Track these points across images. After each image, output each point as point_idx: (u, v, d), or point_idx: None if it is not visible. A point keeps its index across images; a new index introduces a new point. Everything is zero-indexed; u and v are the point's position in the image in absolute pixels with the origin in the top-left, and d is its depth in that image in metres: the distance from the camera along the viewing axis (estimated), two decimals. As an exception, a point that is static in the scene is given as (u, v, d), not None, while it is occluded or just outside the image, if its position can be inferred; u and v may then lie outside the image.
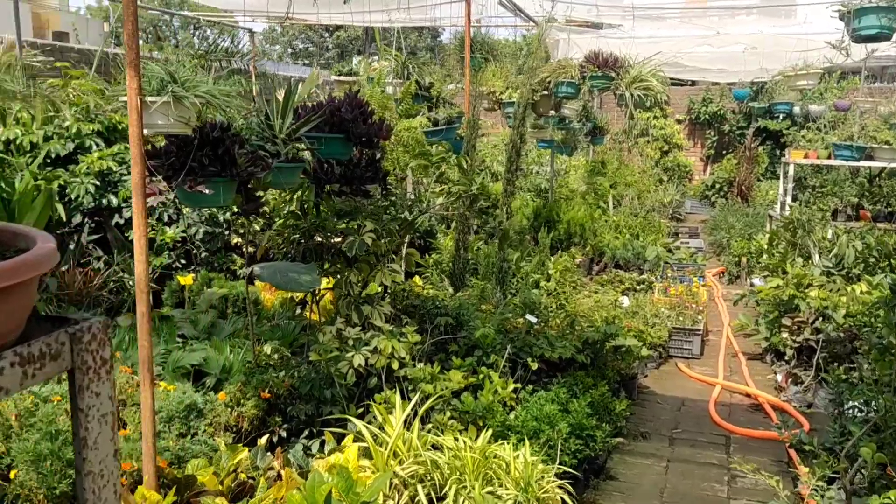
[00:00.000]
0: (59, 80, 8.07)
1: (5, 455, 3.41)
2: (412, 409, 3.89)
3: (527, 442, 3.77)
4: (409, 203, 5.46)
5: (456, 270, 5.84)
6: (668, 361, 7.05)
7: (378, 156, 4.83)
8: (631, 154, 15.49)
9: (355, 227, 4.61)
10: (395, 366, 4.37)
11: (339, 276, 4.79)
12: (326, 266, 4.89)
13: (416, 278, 6.75)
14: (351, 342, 4.44)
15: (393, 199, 7.02)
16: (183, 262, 6.98)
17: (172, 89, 2.95)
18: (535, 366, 4.70)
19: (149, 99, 2.95)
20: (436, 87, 6.44)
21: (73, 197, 6.78)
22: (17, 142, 7.05)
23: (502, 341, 4.86)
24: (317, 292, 5.01)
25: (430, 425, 4.00)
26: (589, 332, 5.32)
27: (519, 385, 4.55)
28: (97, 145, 7.11)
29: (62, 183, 6.81)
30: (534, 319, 5.02)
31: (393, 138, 5.33)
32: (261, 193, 4.02)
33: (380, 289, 4.97)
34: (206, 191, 3.14)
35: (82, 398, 0.77)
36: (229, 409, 3.92)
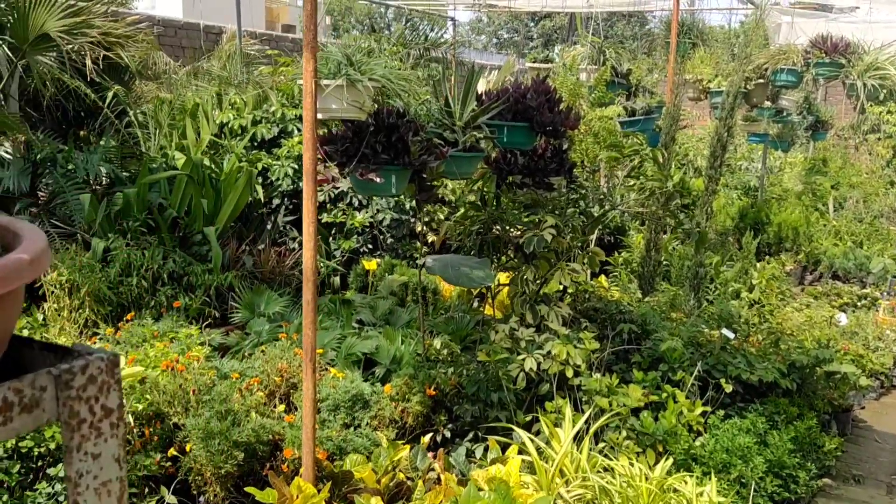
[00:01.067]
0: (270, 67, 8.51)
1: (183, 428, 3.53)
2: (584, 424, 3.57)
3: (713, 477, 3.32)
4: (600, 197, 5.11)
5: (645, 273, 5.39)
6: (891, 393, 6.11)
7: (565, 146, 4.51)
8: (858, 152, 13.84)
9: (535, 220, 4.34)
10: (570, 373, 4.05)
11: (515, 273, 4.55)
12: (503, 260, 4.66)
13: (602, 278, 6.35)
14: (523, 344, 4.18)
15: (580, 192, 6.66)
16: (370, 246, 7.08)
17: (347, 72, 2.84)
18: (728, 388, 4.18)
19: (323, 82, 2.86)
20: (634, 74, 5.98)
21: (273, 179, 7.09)
22: (230, 125, 7.49)
23: (692, 356, 4.38)
24: (493, 287, 4.80)
25: (602, 444, 3.65)
26: (796, 353, 4.67)
27: (708, 408, 4.06)
28: (298, 130, 7.39)
29: (265, 165, 7.14)
30: (731, 334, 4.47)
31: (583, 128, 4.99)
32: (436, 183, 3.86)
33: (559, 287, 4.66)
34: (378, 179, 3.01)
35: (71, 462, 0.58)
36: (394, 403, 3.82)
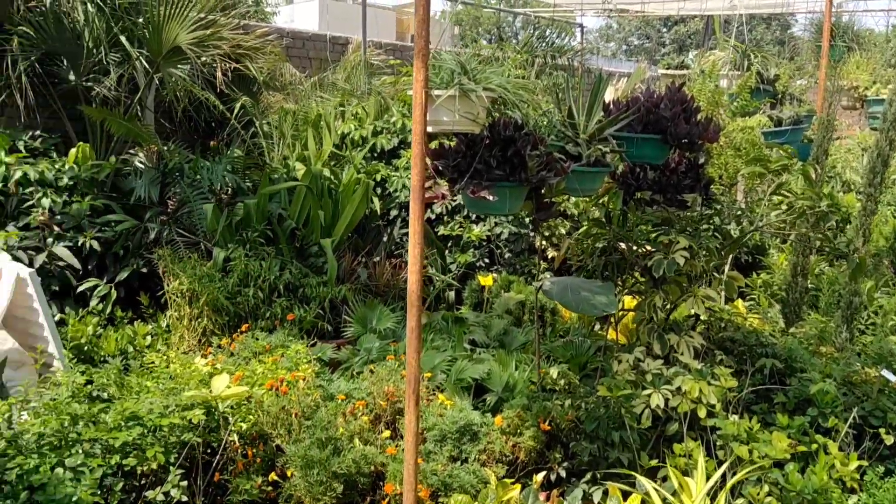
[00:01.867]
0: (393, 77, 8.47)
1: (286, 451, 3.41)
2: (719, 477, 3.16)
3: (873, 548, 2.84)
4: (737, 214, 4.63)
5: (790, 300, 4.84)
6: None
7: (701, 160, 4.10)
8: None
9: (665, 241, 3.95)
10: (702, 413, 3.64)
11: (642, 297, 4.17)
12: (629, 283, 4.30)
13: (739, 302, 5.82)
14: (649, 377, 3.80)
15: (716, 209, 6.15)
16: (486, 261, 6.85)
17: (461, 81, 2.61)
18: (889, 439, 3.62)
19: (434, 92, 2.64)
20: (782, 80, 5.43)
21: (391, 190, 7.00)
22: (351, 136, 7.47)
23: (846, 400, 3.84)
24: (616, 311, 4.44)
25: (740, 501, 3.22)
26: (973, 400, 4.02)
27: (864, 462, 3.53)
28: (418, 141, 7.27)
29: (383, 177, 7.07)
30: (892, 377, 3.90)
31: (721, 140, 4.55)
32: (557, 199, 3.57)
33: (691, 314, 4.24)
34: (490, 197, 2.76)
35: None
36: (505, 437, 3.55)
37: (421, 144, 2.60)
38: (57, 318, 5.31)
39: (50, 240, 5.55)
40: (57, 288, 5.52)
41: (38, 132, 6.46)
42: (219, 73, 6.66)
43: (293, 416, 3.35)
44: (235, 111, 7.05)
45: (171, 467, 2.84)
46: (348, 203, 6.09)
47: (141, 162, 6.40)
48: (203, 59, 6.32)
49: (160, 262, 5.33)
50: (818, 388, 3.72)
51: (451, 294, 6.62)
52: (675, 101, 3.60)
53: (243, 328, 4.92)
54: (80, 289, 5.50)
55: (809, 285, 5.23)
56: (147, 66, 6.34)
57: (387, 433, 3.62)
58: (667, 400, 3.72)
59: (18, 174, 5.58)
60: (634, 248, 4.03)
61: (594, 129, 3.28)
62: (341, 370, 4.62)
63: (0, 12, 6.12)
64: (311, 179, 6.03)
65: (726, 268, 6.18)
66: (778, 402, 3.97)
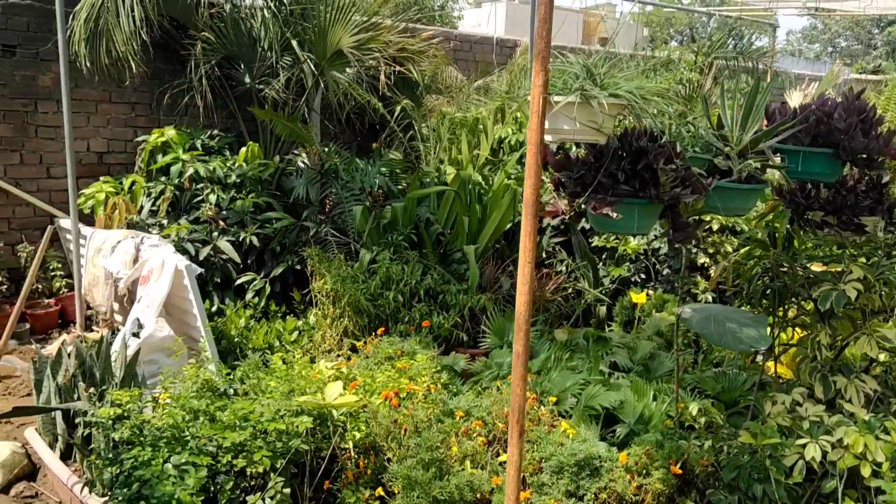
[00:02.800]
0: (557, 80, 8.21)
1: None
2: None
3: None
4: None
5: None
6: None
7: (885, 179, 3.54)
8: None
9: (837, 271, 3.45)
10: (866, 472, 3.13)
11: (806, 332, 3.68)
12: (791, 314, 3.81)
13: (935, 342, 5.02)
14: (806, 424, 3.33)
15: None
16: (642, 276, 6.45)
17: (582, 86, 2.37)
18: None
19: (554, 98, 2.42)
20: None
21: (543, 197, 6.78)
22: (508, 140, 7.33)
23: None
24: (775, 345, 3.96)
25: (902, 586, 2.72)
26: None
27: None
28: (577, 145, 6.99)
29: (538, 183, 6.85)
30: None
31: (915, 156, 3.91)
32: (702, 218, 3.21)
33: (865, 353, 3.67)
34: (614, 214, 2.50)
35: None
36: (630, 476, 3.24)
37: (536, 154, 2.39)
38: (215, 308, 5.61)
39: (216, 234, 5.88)
40: (219, 280, 5.83)
41: (215, 131, 6.88)
42: (382, 76, 6.76)
43: (402, 432, 3.25)
44: (396, 114, 7.13)
45: (273, 473, 2.84)
46: (496, 209, 5.94)
47: (303, 162, 6.64)
48: (365, 61, 6.43)
49: (308, 261, 5.46)
50: None
51: (603, 310, 6.29)
52: (852, 111, 3.11)
53: (379, 332, 4.92)
54: (238, 282, 5.77)
55: None
56: (313, 69, 6.55)
57: (503, 457, 3.43)
58: (825, 453, 3.24)
59: (190, 171, 5.95)
60: (800, 273, 3.55)
61: (749, 141, 2.90)
62: (471, 382, 4.49)
63: (185, 19, 6.57)
64: (460, 184, 5.94)
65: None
66: (970, 468, 3.33)
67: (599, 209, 2.51)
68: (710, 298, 6.12)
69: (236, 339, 5.23)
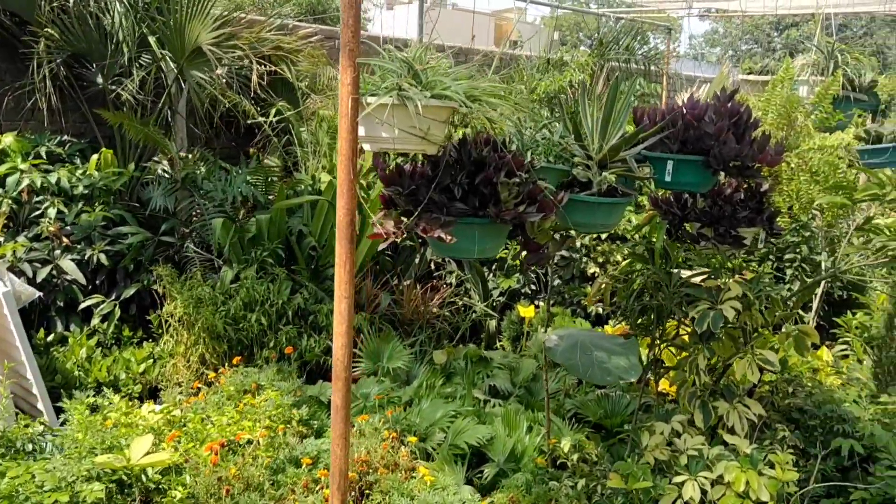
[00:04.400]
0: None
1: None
2: None
3: None
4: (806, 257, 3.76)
5: (883, 359, 3.92)
6: None
7: (764, 187, 3.28)
8: None
9: (713, 288, 3.16)
10: (749, 512, 2.84)
11: (686, 353, 3.39)
12: (669, 334, 3.52)
13: (823, 352, 4.89)
14: (684, 459, 3.03)
15: (804, 236, 5.24)
16: (533, 287, 6.14)
17: (399, 86, 1.96)
18: None
19: (368, 99, 2.00)
20: (885, 87, 4.46)
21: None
22: (393, 145, 6.89)
23: (948, 505, 2.95)
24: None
25: None
26: None
27: None
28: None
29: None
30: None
31: (794, 161, 3.69)
32: (570, 233, 2.86)
33: (748, 377, 3.40)
34: (447, 237, 2.10)
35: None
36: (492, 528, 2.86)
37: (348, 167, 1.96)
38: (52, 336, 4.98)
39: (58, 252, 5.23)
40: (62, 303, 5.19)
41: (66, 137, 6.20)
42: (254, 76, 6.22)
43: (224, 493, 2.76)
44: (270, 117, 6.60)
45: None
46: (375, 220, 5.49)
47: (164, 170, 6.04)
48: (227, 60, 5.89)
49: (159, 282, 4.90)
50: (907, 492, 2.85)
51: (493, 324, 5.94)
52: (723, 114, 2.82)
53: (236, 360, 4.41)
54: (82, 306, 5.14)
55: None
56: (173, 68, 5.97)
57: (354, 510, 3.00)
58: (704, 492, 2.94)
59: (26, 182, 5.28)
60: (675, 292, 3.26)
61: (609, 150, 2.55)
62: (335, 416, 4.03)
63: (26, 13, 5.87)
64: (334, 193, 5.47)
65: (813, 312, 5.26)
66: (856, 499, 3.11)
67: (430, 231, 2.11)
68: (600, 311, 5.86)
69: (76, 373, 4.62)
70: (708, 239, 3.32)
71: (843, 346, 5.66)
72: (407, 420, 3.63)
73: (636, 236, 3.74)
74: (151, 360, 4.93)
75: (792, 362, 4.47)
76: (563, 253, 6.09)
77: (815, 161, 3.59)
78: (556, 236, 2.98)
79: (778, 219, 3.32)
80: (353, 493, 3.05)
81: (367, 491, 3.05)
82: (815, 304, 5.84)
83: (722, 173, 2.94)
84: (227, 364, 4.61)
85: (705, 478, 2.96)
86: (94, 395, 4.37)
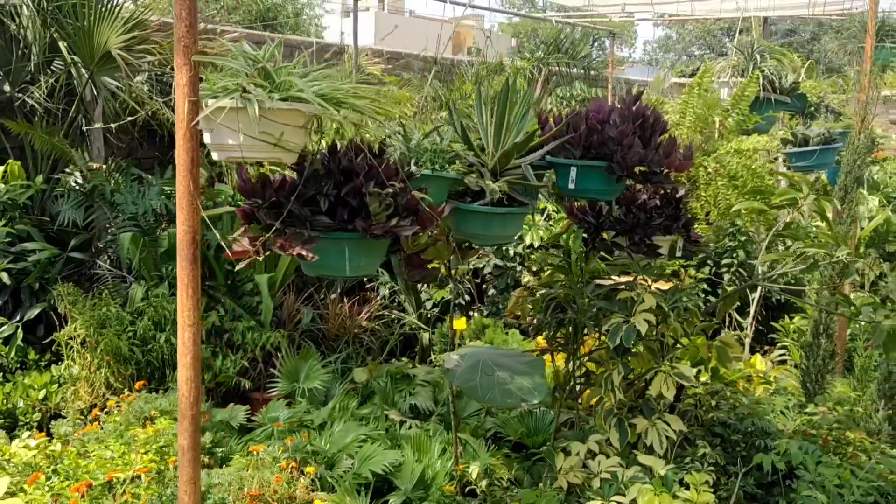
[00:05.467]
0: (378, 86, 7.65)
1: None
2: None
3: None
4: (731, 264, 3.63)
5: (810, 367, 3.81)
6: None
7: (679, 193, 3.14)
8: None
9: (627, 300, 3.00)
10: (663, 539, 2.67)
11: (602, 369, 3.23)
12: (586, 348, 3.36)
13: (756, 359, 4.78)
14: (596, 482, 2.85)
15: (741, 241, 5.13)
16: (467, 298, 5.95)
17: (244, 87, 1.75)
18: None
19: (208, 101, 1.79)
20: (809, 88, 4.39)
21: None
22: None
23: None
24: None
25: None
26: None
27: None
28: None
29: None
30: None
31: (713, 166, 3.56)
32: (471, 245, 2.67)
33: (664, 394, 3.23)
34: (308, 255, 1.89)
35: None
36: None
37: (187, 177, 1.75)
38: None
39: (-45, 270, 4.90)
40: (-41, 326, 4.86)
41: (-29, 149, 5.84)
42: (175, 81, 5.93)
43: None
44: (192, 125, 6.31)
45: None
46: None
47: (76, 182, 5.72)
48: (144, 66, 5.61)
49: (58, 302, 4.60)
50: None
51: (426, 336, 5.73)
52: (628, 118, 2.66)
53: (137, 386, 4.14)
54: (-19, 328, 4.81)
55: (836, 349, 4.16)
56: (84, 74, 5.66)
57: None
58: (617, 518, 2.77)
59: (-82, 197, 4.93)
60: (586, 305, 3.09)
61: (500, 157, 2.37)
62: (243, 442, 3.79)
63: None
64: (254, 204, 5.22)
65: (751, 318, 5.16)
66: (777, 519, 2.96)
67: (290, 248, 1.90)
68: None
69: (-37, 403, 4.30)
70: (622, 248, 3.17)
71: (782, 351, 5.59)
72: (314, 446, 3.40)
73: (550, 249, 3.58)
74: (57, 385, 4.63)
75: (723, 372, 4.35)
76: (497, 262, 5.92)
77: (733, 165, 3.47)
78: (457, 249, 2.79)
79: (695, 226, 3.18)
80: (241, 533, 2.81)
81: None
82: (752, 310, 5.76)
83: (629, 180, 2.78)
84: (132, 389, 4.33)
85: (618, 502, 2.79)
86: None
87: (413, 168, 2.17)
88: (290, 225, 1.96)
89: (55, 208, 5.54)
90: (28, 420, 4.36)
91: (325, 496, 2.97)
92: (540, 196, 2.63)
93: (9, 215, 5.30)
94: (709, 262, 6.04)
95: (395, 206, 1.99)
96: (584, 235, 3.37)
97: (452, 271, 2.92)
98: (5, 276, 4.95)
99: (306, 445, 3.32)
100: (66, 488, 2.75)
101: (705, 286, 5.83)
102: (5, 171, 5.50)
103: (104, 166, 5.86)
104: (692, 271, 5.78)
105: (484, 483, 2.97)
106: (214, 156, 1.91)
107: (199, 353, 1.85)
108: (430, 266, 2.16)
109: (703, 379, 4.23)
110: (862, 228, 5.50)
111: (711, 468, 3.05)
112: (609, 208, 3.23)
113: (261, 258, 2.00)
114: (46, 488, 2.70)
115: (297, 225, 1.96)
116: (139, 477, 2.93)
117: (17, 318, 5.01)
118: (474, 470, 2.98)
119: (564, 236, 3.50)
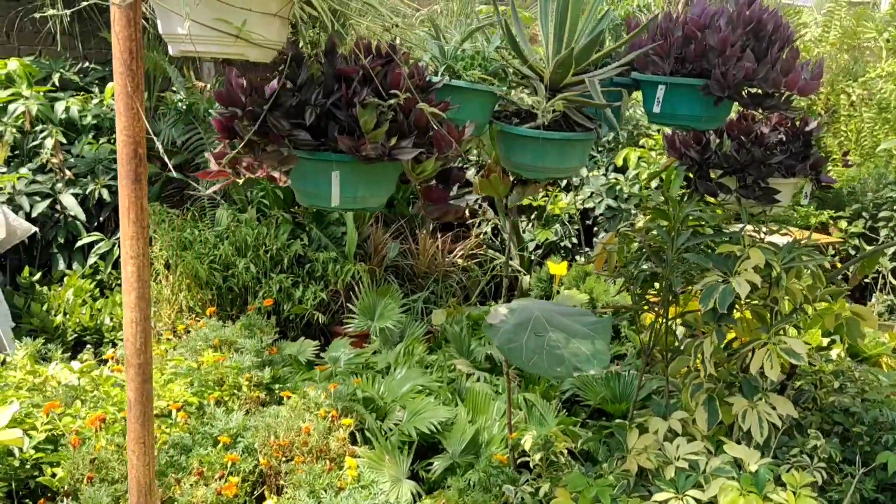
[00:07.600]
0: None
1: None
2: None
3: None
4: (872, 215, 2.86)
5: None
6: None
7: (811, 125, 2.50)
8: None
9: (729, 256, 2.44)
10: (745, 550, 2.18)
11: (695, 335, 2.69)
12: (679, 309, 2.83)
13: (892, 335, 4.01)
14: (671, 471, 2.37)
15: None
16: (574, 241, 5.44)
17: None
18: None
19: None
20: None
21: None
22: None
23: None
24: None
25: None
26: None
27: None
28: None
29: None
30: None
31: (858, 92, 2.80)
32: (530, 179, 2.21)
33: (766, 371, 2.64)
34: (279, 177, 1.52)
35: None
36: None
37: (124, 75, 1.42)
38: (35, 277, 4.75)
39: (60, 185, 4.98)
40: (62, 240, 4.96)
41: (88, 65, 5.92)
42: None
43: (85, 479, 2.33)
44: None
45: None
46: (391, 160, 4.93)
47: (181, 100, 5.66)
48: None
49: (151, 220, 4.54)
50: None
51: (527, 280, 5.30)
52: (739, 22, 2.05)
53: (209, 312, 4.02)
54: (79, 243, 4.88)
55: None
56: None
57: (271, 500, 2.53)
58: (693, 515, 2.29)
59: (20, 109, 5.00)
60: (674, 258, 2.55)
61: (554, 68, 1.87)
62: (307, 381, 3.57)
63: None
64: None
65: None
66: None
67: (260, 169, 1.53)
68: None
69: (52, 317, 4.36)
70: (730, 191, 2.58)
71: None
72: (367, 392, 3.11)
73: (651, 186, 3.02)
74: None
75: (861, 345, 3.66)
76: (610, 202, 5.35)
77: (886, 93, 2.71)
78: (518, 183, 2.34)
79: (827, 167, 2.53)
80: (275, 479, 2.57)
81: (282, 484, 2.56)
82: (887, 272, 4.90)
83: (737, 104, 2.18)
84: (211, 311, 4.23)
85: (695, 498, 2.30)
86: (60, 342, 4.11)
87: (434, 78, 1.73)
88: (273, 141, 1.60)
89: (157, 127, 5.51)
90: (112, 338, 4.38)
91: (363, 452, 2.67)
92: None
93: (112, 132, 5.32)
94: (864, 214, 5.16)
95: (397, 123, 1.58)
96: (689, 174, 2.80)
97: (510, 208, 2.47)
98: (105, 193, 4.98)
99: (355, 391, 3.03)
100: (84, 419, 2.61)
101: (857, 242, 5.00)
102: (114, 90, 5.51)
103: (207, 85, 5.76)
104: (843, 223, 4.96)
105: (538, 456, 2.56)
106: (170, 50, 1.56)
107: (148, 292, 1.56)
108: (452, 201, 1.74)
109: (836, 352, 3.56)
110: None
111: (822, 465, 2.48)
112: (720, 141, 2.64)
113: (240, 181, 1.65)
114: (68, 417, 2.57)
115: (276, 141, 1.59)
116: (170, 413, 2.75)
117: (118, 235, 5.05)
118: (528, 441, 2.57)
119: (664, 174, 2.93)
